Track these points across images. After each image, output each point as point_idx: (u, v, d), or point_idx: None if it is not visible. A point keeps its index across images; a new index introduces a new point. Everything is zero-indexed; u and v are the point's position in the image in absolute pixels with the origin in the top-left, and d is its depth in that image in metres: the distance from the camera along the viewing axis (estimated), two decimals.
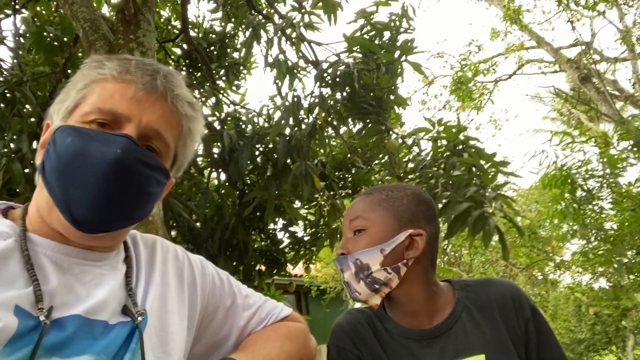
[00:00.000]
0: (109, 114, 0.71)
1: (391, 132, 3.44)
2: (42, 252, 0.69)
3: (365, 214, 1.02)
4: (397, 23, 3.24)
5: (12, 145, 3.00)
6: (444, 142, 3.21)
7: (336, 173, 4.05)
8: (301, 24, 3.51)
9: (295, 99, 3.20)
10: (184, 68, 4.30)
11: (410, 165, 3.51)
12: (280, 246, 3.95)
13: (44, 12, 3.82)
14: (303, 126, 3.21)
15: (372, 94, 3.26)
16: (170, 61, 4.37)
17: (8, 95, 3.04)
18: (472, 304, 0.99)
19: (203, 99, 3.98)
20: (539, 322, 0.98)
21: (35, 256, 0.68)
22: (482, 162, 2.94)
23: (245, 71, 4.49)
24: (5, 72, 3.35)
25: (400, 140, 3.50)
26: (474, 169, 2.91)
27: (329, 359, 0.99)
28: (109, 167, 0.67)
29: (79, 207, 0.67)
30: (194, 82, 4.19)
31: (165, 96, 0.75)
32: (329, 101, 3.27)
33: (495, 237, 2.71)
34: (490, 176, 2.88)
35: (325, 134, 3.58)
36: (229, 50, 4.40)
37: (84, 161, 0.67)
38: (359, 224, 1.01)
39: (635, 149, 5.43)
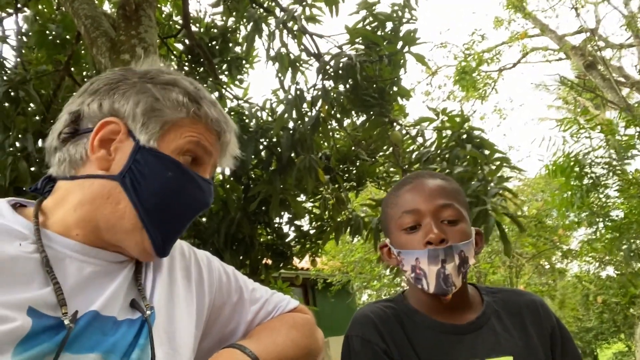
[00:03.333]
0: (202, 151, 0.78)
1: (395, 124, 3.43)
2: (59, 251, 0.69)
3: (457, 202, 0.97)
4: (400, 14, 3.21)
5: (17, 144, 3.01)
6: (448, 132, 3.19)
7: (340, 166, 4.04)
8: (302, 16, 3.49)
9: (298, 92, 3.19)
10: (186, 63, 4.30)
11: (415, 155, 3.50)
12: (286, 240, 3.95)
13: (45, 10, 3.82)
14: (306, 119, 3.20)
15: (375, 85, 3.24)
16: (172, 57, 4.36)
17: (12, 94, 3.05)
18: (501, 308, 1.00)
19: None
20: (563, 330, 1.01)
21: (53, 255, 0.68)
22: (487, 152, 2.93)
23: (247, 65, 4.48)
24: (8, 71, 3.36)
25: (404, 132, 3.49)
26: (478, 161, 2.90)
27: (348, 350, 0.95)
28: (197, 212, 0.78)
29: (167, 238, 0.75)
30: (197, 77, 4.19)
31: (227, 147, 0.83)
32: (331, 94, 3.26)
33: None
34: (494, 168, 2.87)
35: (329, 126, 3.57)
36: (230, 44, 4.38)
37: (181, 200, 0.75)
38: (453, 214, 0.95)
39: None
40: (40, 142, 3.18)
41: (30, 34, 3.61)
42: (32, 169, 2.96)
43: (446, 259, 0.91)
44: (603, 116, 11.20)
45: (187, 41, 4.17)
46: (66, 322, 0.62)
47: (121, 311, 0.70)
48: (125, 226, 0.72)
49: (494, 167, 2.87)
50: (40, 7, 3.78)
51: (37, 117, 3.25)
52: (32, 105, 3.23)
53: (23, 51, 3.69)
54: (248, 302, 0.90)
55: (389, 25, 3.24)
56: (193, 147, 0.75)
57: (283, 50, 3.37)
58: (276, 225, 3.89)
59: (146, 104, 0.74)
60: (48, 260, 0.66)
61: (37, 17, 3.67)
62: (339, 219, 3.79)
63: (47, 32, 3.48)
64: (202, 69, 4.26)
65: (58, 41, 3.52)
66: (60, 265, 0.68)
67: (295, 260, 4.13)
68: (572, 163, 5.46)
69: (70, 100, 0.79)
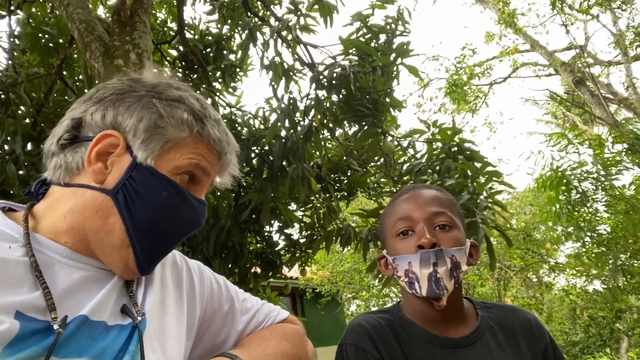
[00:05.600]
0: (201, 172, 0.78)
1: (387, 135, 3.45)
2: (49, 255, 0.69)
3: (450, 211, 0.99)
4: (393, 26, 3.25)
5: (6, 147, 2.98)
6: (439, 144, 3.22)
7: (332, 175, 4.05)
8: (297, 26, 3.51)
9: (291, 101, 3.19)
10: (180, 70, 4.30)
11: (406, 167, 3.52)
12: (276, 248, 3.94)
13: (39, 13, 3.80)
14: (299, 128, 3.20)
15: (367, 96, 3.26)
16: (166, 63, 4.36)
17: (2, 96, 3.02)
18: (496, 324, 1.01)
19: None
20: (556, 349, 1.02)
21: (42, 260, 0.67)
22: (477, 164, 2.95)
23: (241, 73, 4.49)
24: None
25: (395, 143, 3.51)
26: (468, 173, 2.92)
27: (342, 358, 0.96)
28: (187, 233, 0.78)
29: (153, 257, 0.75)
30: (190, 84, 4.18)
31: (226, 167, 0.85)
32: (324, 103, 3.27)
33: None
34: (483, 181, 2.89)
35: (321, 136, 3.58)
36: (225, 52, 4.39)
37: (174, 220, 0.74)
38: (446, 220, 0.98)
39: (629, 152, 5.46)
40: (29, 146, 3.15)
41: (22, 36, 3.58)
42: (21, 172, 2.92)
43: (437, 262, 0.93)
44: (591, 131, 11.37)
45: (181, 48, 4.17)
46: (55, 326, 0.61)
47: (111, 316, 0.69)
48: (113, 241, 0.71)
49: (483, 180, 2.89)
50: (33, 10, 3.76)
51: (27, 121, 3.22)
52: (22, 108, 3.20)
53: (15, 54, 3.67)
54: (239, 312, 0.90)
55: (383, 37, 3.27)
56: (192, 168, 0.76)
57: (277, 59, 3.39)
58: (266, 233, 3.88)
59: (149, 120, 0.74)
60: (37, 264, 0.65)
61: (30, 20, 3.65)
62: (329, 229, 3.79)
63: (40, 35, 3.46)
64: (195, 76, 4.25)
65: (51, 44, 3.50)
66: (49, 269, 0.67)
67: (285, 270, 4.12)
68: (559, 177, 5.52)
69: (74, 105, 0.79)
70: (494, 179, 2.97)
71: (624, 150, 5.54)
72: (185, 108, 0.76)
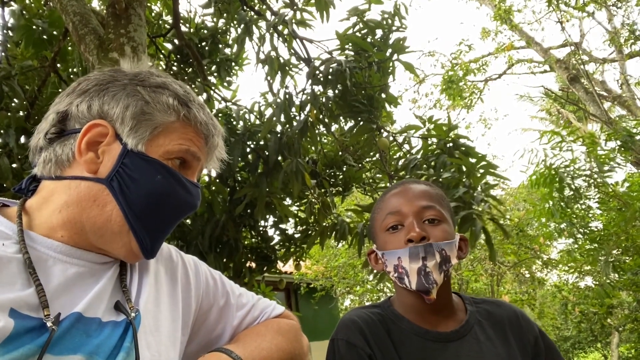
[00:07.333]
0: (191, 157, 0.78)
1: (382, 131, 3.45)
2: (42, 252, 0.69)
3: (439, 205, 1.01)
4: (389, 21, 3.24)
5: None
6: (434, 140, 3.23)
7: (327, 171, 4.05)
8: (293, 20, 3.50)
9: (287, 96, 3.19)
10: (175, 63, 4.27)
11: (401, 162, 3.53)
12: (271, 243, 3.94)
13: (32, 5, 3.76)
14: (294, 123, 3.20)
15: (363, 92, 3.26)
16: (161, 56, 4.33)
17: None
18: (484, 319, 1.02)
19: None
20: (546, 340, 1.03)
21: (36, 256, 0.67)
22: (472, 160, 2.96)
23: (236, 67, 4.47)
24: None
25: (391, 138, 3.51)
26: (463, 169, 2.93)
27: (333, 353, 0.97)
28: (185, 214, 0.79)
29: (154, 239, 0.75)
30: (185, 78, 4.16)
31: (214, 150, 0.84)
32: (320, 99, 3.27)
33: (483, 237, 2.73)
34: (479, 175, 2.90)
35: (317, 131, 3.58)
36: (220, 46, 4.37)
37: (170, 203, 0.75)
38: (435, 214, 0.99)
39: (622, 149, 5.50)
40: (23, 139, 3.12)
41: (16, 28, 3.55)
42: (14, 165, 2.90)
43: (427, 257, 0.93)
44: (585, 129, 11.43)
45: (176, 41, 4.15)
46: (49, 324, 0.61)
47: (106, 313, 0.69)
48: (113, 229, 0.71)
49: (479, 175, 2.91)
50: (27, 1, 3.73)
51: (21, 113, 3.19)
52: (15, 101, 3.18)
53: (8, 46, 3.63)
54: (234, 307, 0.90)
55: (379, 32, 3.27)
56: (183, 154, 0.76)
57: (273, 53, 3.38)
58: (261, 228, 3.88)
59: (136, 107, 0.74)
60: (31, 261, 0.65)
61: (24, 12, 3.61)
62: (324, 224, 3.80)
63: (34, 27, 3.43)
64: (190, 70, 4.23)
65: (45, 37, 3.47)
66: (43, 266, 0.67)
67: (279, 264, 4.12)
68: (553, 174, 5.55)
69: (57, 99, 0.78)
70: (490, 171, 2.98)
71: (617, 147, 5.57)
72: (170, 93, 0.77)
